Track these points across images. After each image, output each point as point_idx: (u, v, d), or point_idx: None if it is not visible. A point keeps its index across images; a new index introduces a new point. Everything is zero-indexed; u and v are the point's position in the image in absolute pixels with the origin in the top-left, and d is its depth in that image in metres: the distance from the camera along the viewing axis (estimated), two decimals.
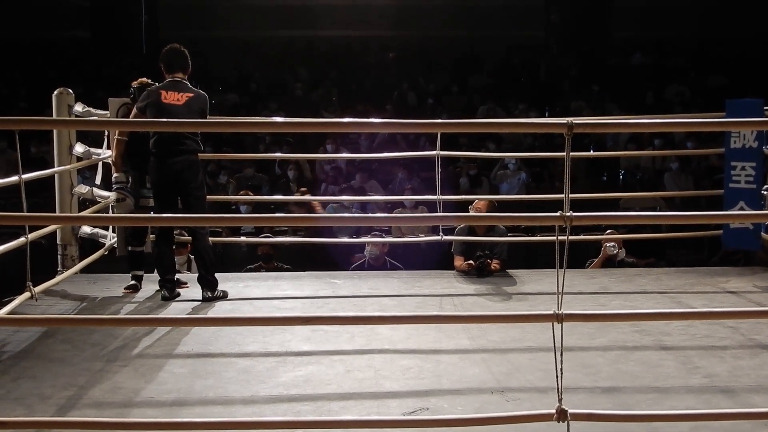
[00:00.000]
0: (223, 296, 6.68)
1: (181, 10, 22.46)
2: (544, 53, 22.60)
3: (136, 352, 5.35)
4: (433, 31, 23.23)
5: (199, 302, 6.57)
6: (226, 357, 5.29)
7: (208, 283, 6.64)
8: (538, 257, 8.96)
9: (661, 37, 23.13)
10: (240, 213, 11.25)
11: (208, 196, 6.88)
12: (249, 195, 11.11)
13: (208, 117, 6.63)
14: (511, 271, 7.60)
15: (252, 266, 8.69)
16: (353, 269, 8.62)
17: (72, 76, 16.73)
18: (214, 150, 12.60)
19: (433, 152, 7.91)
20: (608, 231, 8.42)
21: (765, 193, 7.72)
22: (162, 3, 22.68)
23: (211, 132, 12.94)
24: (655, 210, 12.08)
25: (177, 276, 7.02)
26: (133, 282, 6.97)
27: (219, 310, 6.43)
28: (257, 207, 11.27)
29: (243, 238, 9.59)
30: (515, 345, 5.43)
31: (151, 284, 6.99)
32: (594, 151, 13.55)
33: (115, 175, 6.89)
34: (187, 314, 6.29)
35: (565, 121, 3.73)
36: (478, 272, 7.46)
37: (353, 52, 22.51)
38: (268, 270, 8.48)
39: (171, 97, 6.54)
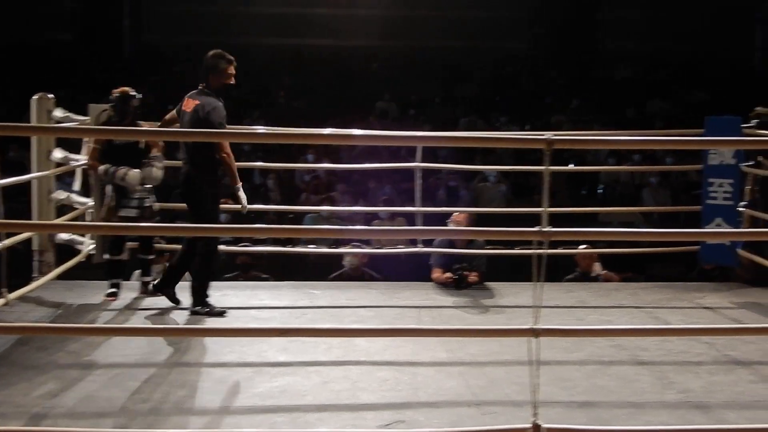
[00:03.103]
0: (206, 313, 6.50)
1: (166, 15, 22.46)
2: (528, 66, 22.70)
3: (112, 361, 5.32)
4: (417, 42, 23.28)
5: (177, 310, 6.55)
6: (202, 367, 5.27)
7: (192, 296, 6.53)
8: (517, 270, 8.96)
9: (644, 52, 23.28)
10: (219, 222, 11.20)
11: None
12: (228, 204, 11.06)
13: (213, 125, 6.28)
14: (489, 284, 7.60)
15: (230, 275, 8.66)
16: (331, 279, 8.61)
17: (54, 80, 16.66)
18: None
19: (413, 164, 7.92)
20: (582, 246, 8.45)
21: (742, 209, 7.78)
22: (146, 8, 22.64)
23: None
24: (633, 224, 12.15)
25: (152, 286, 7.00)
26: (113, 290, 6.93)
27: (195, 319, 6.40)
28: (236, 216, 11.24)
29: (222, 247, 9.53)
30: (492, 358, 5.43)
31: (129, 292, 6.96)
32: (574, 165, 13.59)
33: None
34: (164, 324, 6.26)
35: (544, 137, 3.75)
36: (456, 284, 7.46)
37: (338, 62, 22.53)
38: (246, 279, 8.46)
39: (187, 105, 6.48)
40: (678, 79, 21.66)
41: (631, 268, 9.45)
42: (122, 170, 6.68)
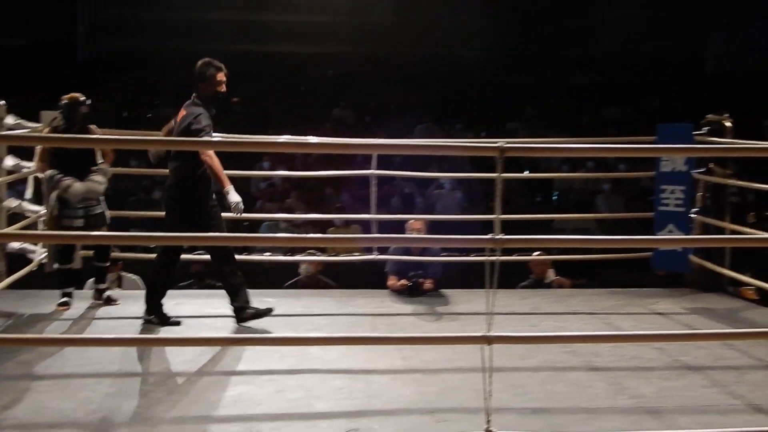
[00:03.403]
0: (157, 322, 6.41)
1: (121, 21, 22.26)
2: (484, 73, 22.80)
3: (64, 372, 5.26)
4: (374, 49, 23.29)
5: (129, 320, 6.49)
6: (155, 376, 5.23)
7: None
8: (472, 276, 8.99)
9: (598, 59, 23.46)
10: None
11: (140, 212, 6.77)
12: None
13: (192, 134, 6.17)
14: (444, 291, 7.62)
15: (184, 284, 8.61)
16: (286, 287, 8.58)
17: (6, 86, 16.45)
18: (147, 164, 12.44)
19: (369, 171, 7.93)
20: (536, 252, 8.50)
21: (693, 216, 7.87)
22: (101, 14, 22.43)
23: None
24: (587, 230, 12.25)
25: (108, 293, 6.94)
26: (65, 299, 6.85)
27: (150, 329, 6.34)
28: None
29: None
30: (447, 365, 5.44)
31: (82, 301, 6.89)
32: (528, 172, 13.69)
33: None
34: (117, 333, 6.20)
35: (496, 145, 3.77)
36: (411, 292, 7.48)
37: (294, 69, 22.47)
38: (200, 288, 8.41)
39: (178, 115, 6.45)
40: (631, 86, 21.88)
41: (584, 274, 9.52)
42: (66, 182, 6.59)
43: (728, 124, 7.83)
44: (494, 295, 3.68)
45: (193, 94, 6.46)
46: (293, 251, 9.26)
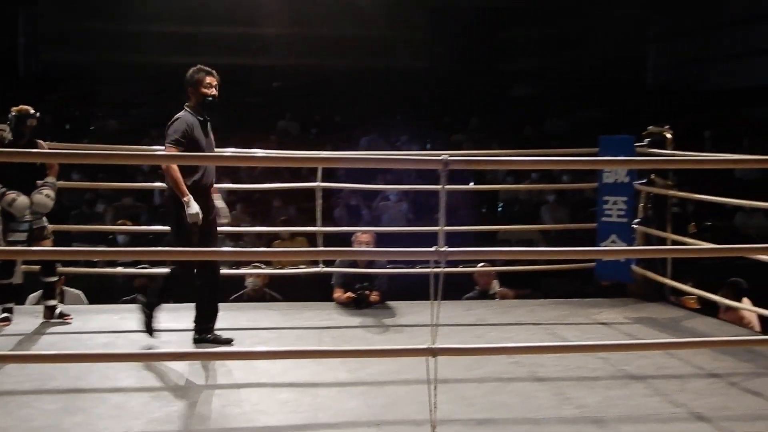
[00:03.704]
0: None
1: (63, 33, 22.03)
2: (428, 85, 22.91)
3: (4, 388, 5.18)
4: (318, 61, 23.30)
5: (74, 335, 6.41)
6: (98, 392, 5.17)
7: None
8: (418, 288, 9.01)
9: (540, 71, 23.71)
10: (117, 243, 11.03)
11: (83, 226, 6.68)
12: (127, 224, 10.91)
13: (166, 143, 6.10)
14: (390, 303, 7.63)
15: (128, 298, 8.51)
16: (232, 301, 8.52)
17: None
18: (90, 178, 12.33)
19: (314, 184, 7.92)
20: (481, 264, 8.55)
21: (635, 227, 7.97)
22: (43, 26, 22.18)
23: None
24: (532, 241, 12.34)
25: (60, 310, 6.83)
26: (4, 314, 6.74)
27: (92, 343, 6.27)
28: (135, 237, 11.09)
29: (119, 269, 9.38)
30: (393, 377, 5.44)
31: (22, 316, 6.79)
32: (474, 184, 13.75)
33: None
34: (60, 349, 6.11)
35: (440, 158, 3.79)
36: (357, 304, 7.48)
37: (238, 81, 22.38)
38: None
39: None
40: (574, 98, 22.12)
41: (528, 284, 9.58)
42: (10, 195, 6.50)
43: (669, 135, 7.94)
44: (439, 307, 3.69)
45: (187, 100, 6.34)
46: (238, 264, 9.19)
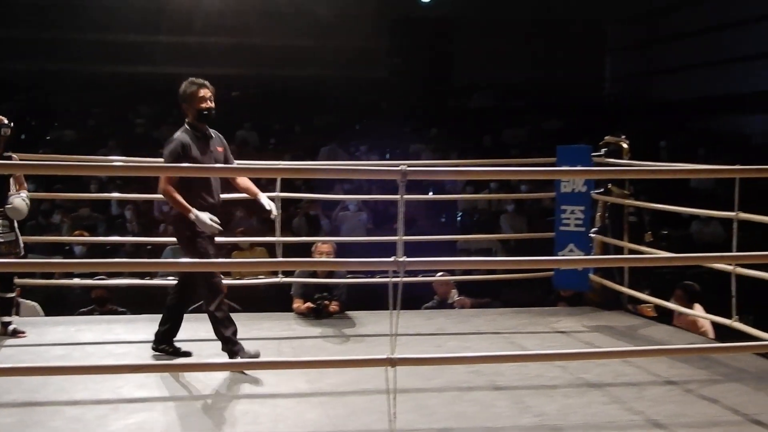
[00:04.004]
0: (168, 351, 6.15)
1: (13, 41, 21.80)
2: (387, 95, 22.97)
3: None
4: (277, 71, 23.27)
5: (30, 347, 6.33)
6: (54, 405, 5.10)
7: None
8: (378, 298, 9.01)
9: (498, 82, 23.87)
10: (74, 254, 10.93)
11: (40, 237, 6.59)
12: (84, 235, 10.81)
13: (168, 159, 5.91)
14: (350, 313, 7.63)
15: (85, 309, 8.44)
16: (191, 312, 8.46)
17: None
18: (46, 188, 12.20)
19: (273, 194, 7.89)
20: (440, 273, 8.56)
21: (593, 236, 8.03)
22: None
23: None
24: (491, 251, 12.40)
25: (13, 326, 6.71)
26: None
27: (48, 356, 6.20)
28: (92, 248, 11.00)
29: (76, 281, 9.29)
30: (353, 388, 5.44)
31: None
32: (433, 194, 13.80)
33: None
34: (14, 361, 6.05)
35: (398, 168, 3.80)
36: (316, 314, 7.46)
37: None
38: (102, 313, 8.25)
39: None
40: (532, 108, 22.29)
41: (487, 293, 9.62)
42: None
43: (625, 145, 8.02)
44: (398, 317, 3.69)
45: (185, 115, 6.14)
46: None
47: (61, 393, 5.28)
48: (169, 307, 6.27)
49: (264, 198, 6.17)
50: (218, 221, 5.92)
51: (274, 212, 6.14)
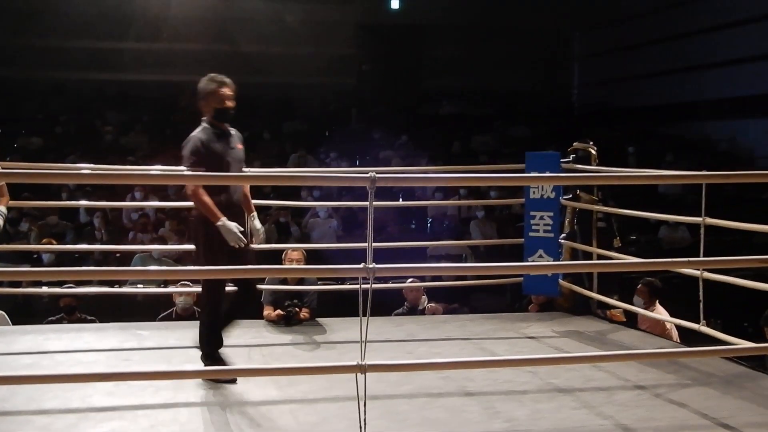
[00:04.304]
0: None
1: None
2: (356, 102, 23.00)
3: None
4: (246, 78, 23.19)
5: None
6: (24, 415, 5.07)
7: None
8: (349, 304, 9.01)
9: (466, 89, 23.97)
10: (42, 262, 10.85)
11: (7, 245, 6.50)
12: (52, 243, 10.74)
13: (186, 162, 5.73)
14: (320, 320, 7.61)
15: (54, 318, 8.38)
16: (160, 319, 8.44)
17: None
18: (13, 196, 12.08)
19: None
20: (410, 280, 8.57)
21: (562, 241, 8.07)
22: None
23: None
24: (461, 257, 12.43)
25: None
26: None
27: (17, 365, 6.15)
28: (60, 256, 10.93)
29: (44, 289, 9.22)
30: (323, 394, 5.43)
31: None
32: (403, 200, 13.83)
33: None
34: None
35: (367, 175, 3.81)
36: (287, 321, 7.45)
37: (166, 97, 22.21)
38: (70, 322, 8.20)
39: None
40: (500, 115, 22.40)
41: (457, 299, 9.64)
42: None
43: (593, 151, 8.07)
44: (368, 324, 3.70)
45: (202, 114, 5.98)
46: (167, 283, 9.11)
47: (30, 402, 5.23)
48: (202, 320, 5.99)
49: (256, 220, 6.04)
50: (243, 230, 5.71)
51: (261, 237, 6.01)
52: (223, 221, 5.57)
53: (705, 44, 21.34)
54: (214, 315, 5.85)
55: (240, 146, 6.05)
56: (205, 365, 5.72)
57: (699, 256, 6.30)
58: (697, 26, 21.66)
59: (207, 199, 5.60)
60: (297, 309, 7.49)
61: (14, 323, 8.13)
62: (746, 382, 5.74)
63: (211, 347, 5.78)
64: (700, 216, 6.43)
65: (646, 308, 7.88)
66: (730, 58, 20.61)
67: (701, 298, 6.32)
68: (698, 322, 6.41)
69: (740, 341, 5.99)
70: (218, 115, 5.93)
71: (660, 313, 7.90)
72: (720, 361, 6.17)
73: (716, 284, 6.36)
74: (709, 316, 6.49)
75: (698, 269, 6.34)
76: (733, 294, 7.31)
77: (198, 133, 5.85)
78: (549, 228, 7.99)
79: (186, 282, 8.74)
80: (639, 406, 5.29)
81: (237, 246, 5.61)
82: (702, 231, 6.37)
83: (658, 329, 7.77)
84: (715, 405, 5.28)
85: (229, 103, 5.98)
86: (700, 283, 6.31)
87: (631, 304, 7.79)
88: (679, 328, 7.65)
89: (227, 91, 5.98)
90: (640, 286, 8.26)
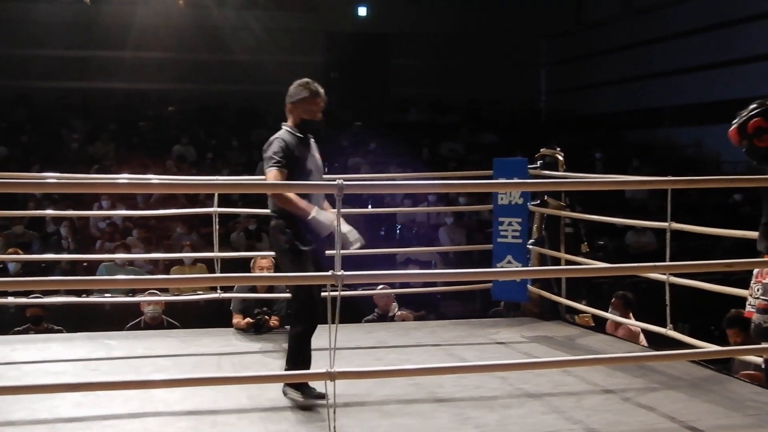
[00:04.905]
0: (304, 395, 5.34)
1: None
2: (325, 109, 22.95)
3: None
4: (214, 85, 23.17)
5: None
6: None
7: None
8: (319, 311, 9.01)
9: (435, 96, 24.05)
10: (8, 272, 10.75)
11: None
12: (18, 253, 10.64)
13: (267, 167, 5.45)
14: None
15: (20, 329, 8.30)
16: (128, 329, 8.39)
17: None
18: None
19: (211, 209, 7.85)
20: (380, 286, 8.57)
21: (530, 247, 8.11)
22: None
23: None
24: (430, 263, 12.45)
25: None
26: None
27: None
28: (27, 266, 10.83)
29: (10, 299, 9.11)
30: (293, 402, 5.42)
31: None
32: (372, 207, 13.83)
33: None
34: None
35: (335, 183, 3.82)
36: (256, 329, 7.43)
37: (132, 105, 22.12)
38: (37, 332, 8.12)
39: None
40: (468, 122, 22.49)
41: (426, 306, 9.65)
42: None
43: (561, 157, 8.12)
44: (336, 331, 3.70)
45: (287, 119, 5.73)
46: (135, 292, 9.06)
47: None
48: (296, 336, 5.46)
49: (343, 224, 5.38)
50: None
51: (355, 237, 5.47)
52: (315, 210, 5.28)
53: (670, 51, 21.56)
54: (307, 330, 5.36)
55: (318, 155, 5.80)
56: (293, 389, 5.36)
57: (665, 261, 6.36)
58: (661, 33, 21.88)
59: (294, 195, 5.32)
60: (266, 317, 7.48)
61: None
62: (713, 385, 5.78)
63: (297, 366, 5.27)
64: (663, 221, 6.49)
65: (619, 320, 7.93)
66: (694, 65, 20.83)
67: (668, 302, 6.37)
68: (665, 326, 6.46)
69: (707, 345, 6.05)
70: (303, 124, 5.67)
71: (629, 330, 7.96)
72: (687, 364, 6.22)
73: (683, 288, 6.41)
74: (676, 320, 6.54)
75: (665, 274, 6.39)
76: (700, 298, 7.39)
77: (282, 134, 5.59)
78: (517, 234, 8.03)
79: (154, 291, 8.71)
80: (608, 411, 5.31)
81: (330, 231, 5.24)
82: (668, 236, 6.42)
83: (633, 339, 7.84)
84: (682, 408, 5.32)
85: (318, 116, 5.74)
86: (667, 288, 6.36)
87: (600, 308, 7.83)
88: (646, 332, 7.71)
89: (320, 103, 5.73)
90: (614, 299, 8.33)
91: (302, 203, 5.30)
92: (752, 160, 4.42)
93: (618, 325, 8.05)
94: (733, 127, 4.36)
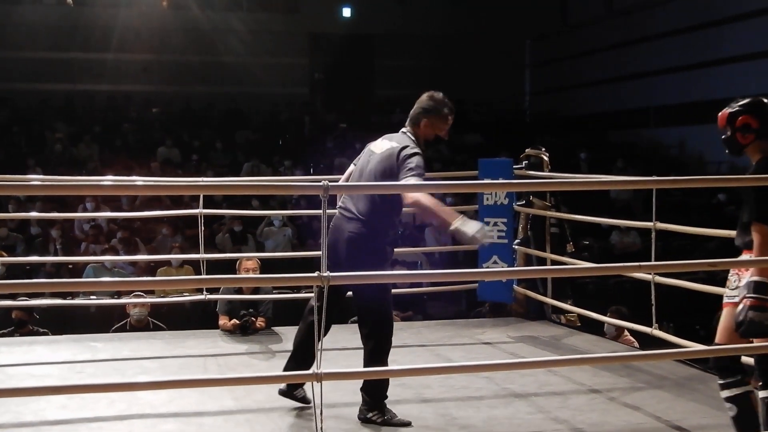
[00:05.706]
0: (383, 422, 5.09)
1: None
2: (309, 110, 22.99)
3: None
4: (198, 87, 23.13)
5: None
6: None
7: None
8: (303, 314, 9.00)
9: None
10: None
11: None
12: (3, 255, 10.59)
13: (415, 171, 5.01)
14: (276, 329, 7.59)
15: (5, 331, 8.26)
16: (114, 331, 8.36)
17: None
18: None
19: (196, 211, 7.83)
20: None
21: (516, 247, 8.13)
22: None
23: None
24: (417, 264, 12.45)
25: None
26: None
27: None
28: (11, 268, 10.79)
29: None
30: (279, 404, 5.39)
31: None
32: None
33: None
34: None
35: (320, 183, 3.81)
36: (242, 331, 7.42)
37: (116, 107, 22.04)
38: (22, 335, 8.09)
39: (375, 146, 5.45)
40: (452, 123, 22.47)
41: (412, 306, 9.65)
42: None
43: (546, 157, 8.14)
44: (323, 332, 3.70)
45: (407, 127, 5.43)
46: (120, 294, 9.03)
47: None
48: (371, 352, 5.27)
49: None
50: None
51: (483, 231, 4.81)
52: (463, 219, 4.75)
53: (654, 52, 21.63)
54: (384, 342, 5.25)
55: None
56: (376, 419, 5.08)
57: (650, 261, 6.37)
58: (645, 34, 21.96)
59: (435, 201, 4.93)
60: (253, 318, 7.47)
61: None
62: (698, 385, 5.81)
63: (384, 390, 5.13)
64: (648, 221, 6.51)
65: (617, 334, 7.96)
66: (678, 65, 20.90)
67: (653, 301, 6.39)
68: (650, 326, 6.48)
69: (692, 344, 6.06)
70: (429, 140, 5.44)
71: (628, 339, 7.98)
72: (672, 364, 6.25)
73: (668, 288, 6.43)
74: (661, 320, 6.56)
75: (650, 273, 6.41)
76: (685, 297, 7.41)
77: (417, 149, 5.23)
78: (503, 234, 8.05)
79: (139, 293, 8.68)
80: (593, 410, 5.33)
81: (482, 243, 4.83)
82: (653, 235, 6.44)
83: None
84: (667, 408, 5.34)
85: (444, 136, 5.51)
86: (652, 287, 6.38)
87: (585, 308, 7.85)
88: (631, 331, 7.73)
89: (450, 121, 5.49)
90: (609, 314, 8.34)
91: (446, 209, 5.00)
92: (726, 149, 4.43)
93: (620, 334, 8.05)
94: (726, 110, 4.36)
